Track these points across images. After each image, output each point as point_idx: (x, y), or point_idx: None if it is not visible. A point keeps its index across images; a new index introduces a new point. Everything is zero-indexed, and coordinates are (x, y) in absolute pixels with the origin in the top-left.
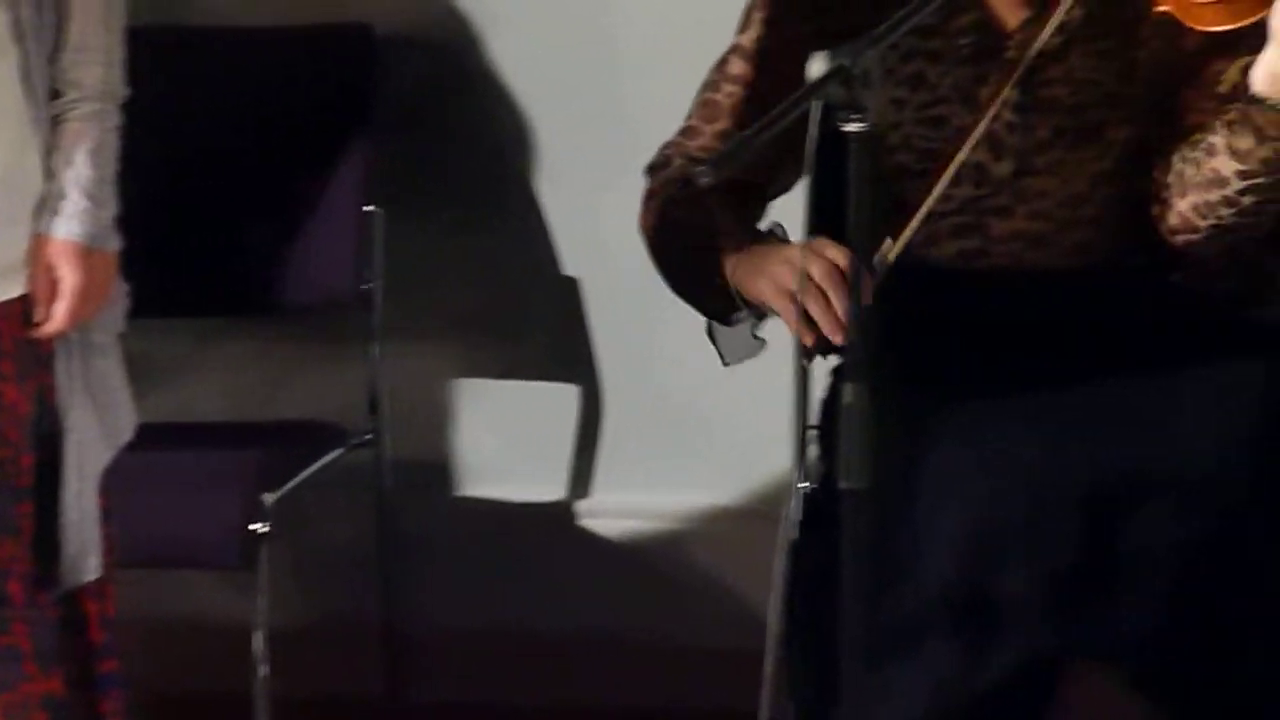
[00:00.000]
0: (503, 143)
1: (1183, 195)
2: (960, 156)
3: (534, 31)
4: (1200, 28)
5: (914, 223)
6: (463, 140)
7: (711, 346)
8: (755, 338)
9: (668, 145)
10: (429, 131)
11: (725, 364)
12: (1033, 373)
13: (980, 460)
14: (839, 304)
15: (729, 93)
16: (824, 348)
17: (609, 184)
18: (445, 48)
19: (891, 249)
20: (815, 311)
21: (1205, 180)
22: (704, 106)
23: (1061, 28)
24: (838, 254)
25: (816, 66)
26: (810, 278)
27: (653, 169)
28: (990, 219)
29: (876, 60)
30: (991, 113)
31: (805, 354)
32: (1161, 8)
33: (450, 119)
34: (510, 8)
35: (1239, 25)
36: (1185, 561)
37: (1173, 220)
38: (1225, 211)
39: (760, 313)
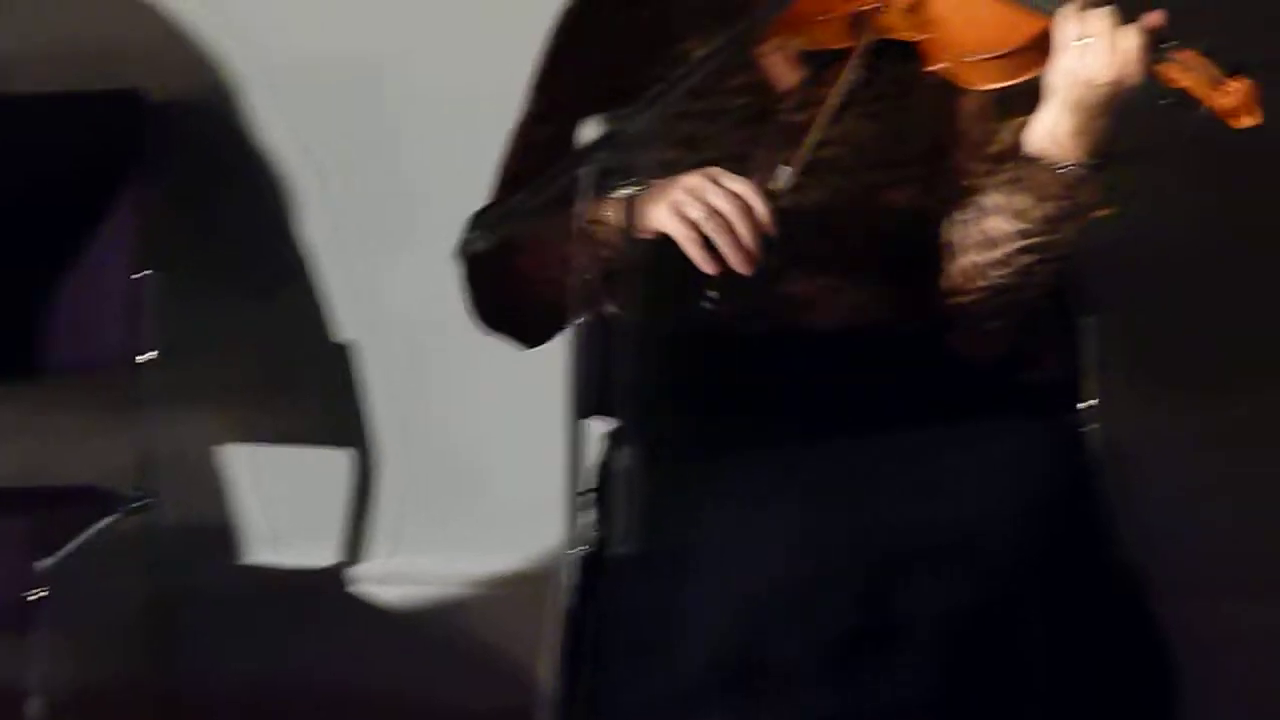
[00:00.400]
0: (281, 208)
1: (959, 256)
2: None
3: (313, 97)
4: (973, 87)
5: None
6: (241, 205)
7: (489, 411)
8: None
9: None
10: (207, 197)
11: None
12: (806, 437)
13: (753, 525)
14: (745, 235)
15: (523, 157)
16: (719, 286)
17: (387, 249)
18: (221, 113)
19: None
20: (723, 243)
21: (981, 240)
22: (503, 172)
23: (841, 88)
24: (741, 184)
25: (590, 130)
26: (715, 208)
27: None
28: (771, 281)
29: (649, 123)
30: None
31: (578, 414)
32: (934, 68)
33: (228, 184)
34: (288, 74)
35: (1012, 84)
36: (958, 626)
37: (948, 282)
38: (1001, 272)
39: None
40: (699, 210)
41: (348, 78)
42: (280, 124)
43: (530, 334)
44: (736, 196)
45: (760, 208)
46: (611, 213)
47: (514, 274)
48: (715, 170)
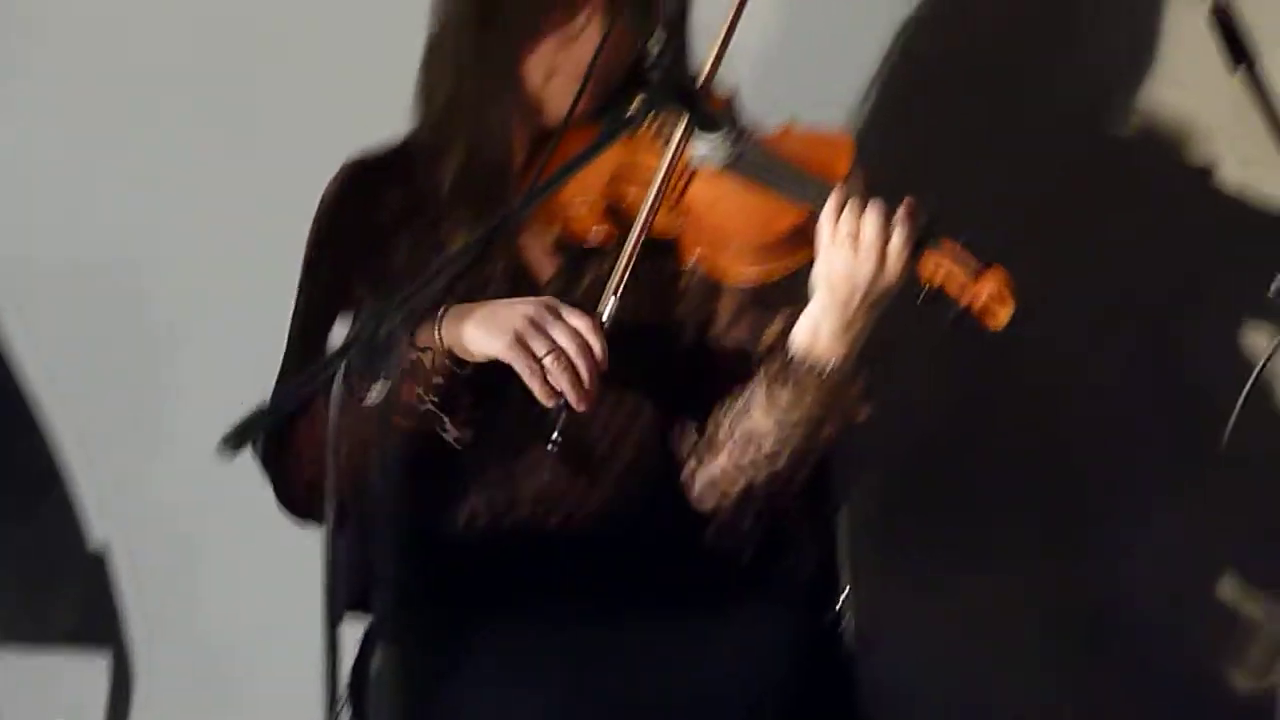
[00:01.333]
0: (30, 423)
1: (716, 455)
2: None
3: (67, 299)
4: (731, 284)
5: None
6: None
7: (248, 612)
8: None
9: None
10: None
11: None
12: (563, 632)
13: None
14: (586, 377)
15: (291, 352)
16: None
17: (144, 452)
18: None
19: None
20: (565, 383)
21: (740, 440)
22: (280, 373)
23: (594, 284)
24: (582, 321)
25: (341, 329)
26: (557, 345)
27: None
28: (520, 478)
29: (401, 320)
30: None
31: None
32: (693, 261)
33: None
34: (41, 277)
35: (769, 281)
36: None
37: (702, 483)
38: (757, 471)
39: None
40: (542, 344)
41: (100, 278)
42: (35, 324)
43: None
44: (578, 334)
45: (599, 346)
46: (441, 337)
47: (300, 460)
48: (553, 300)
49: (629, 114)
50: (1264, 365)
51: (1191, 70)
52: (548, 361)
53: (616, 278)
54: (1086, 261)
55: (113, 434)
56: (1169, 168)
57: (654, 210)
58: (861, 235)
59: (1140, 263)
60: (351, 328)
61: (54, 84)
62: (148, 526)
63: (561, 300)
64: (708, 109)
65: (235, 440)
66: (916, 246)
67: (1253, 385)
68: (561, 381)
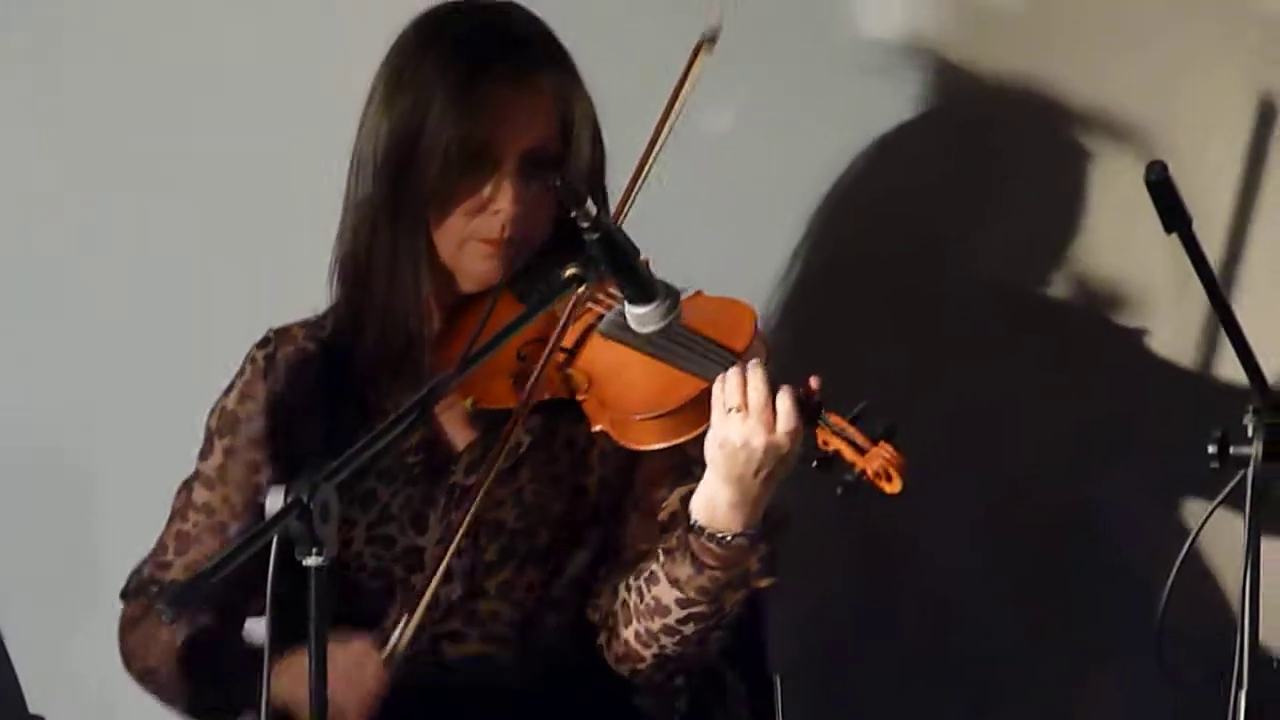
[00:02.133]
0: None
1: (627, 624)
2: (429, 591)
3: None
4: (634, 447)
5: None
6: None
7: None
8: None
9: (140, 569)
10: None
11: None
12: None
13: None
14: (355, 704)
15: (194, 521)
16: None
17: (77, 620)
18: None
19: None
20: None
21: (648, 608)
22: (176, 538)
23: (508, 452)
24: (351, 651)
25: (273, 500)
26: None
27: (127, 594)
28: (443, 643)
29: (333, 490)
30: (453, 548)
31: None
32: (598, 427)
33: None
34: None
35: (670, 444)
36: None
37: (618, 648)
38: (667, 640)
39: None
40: None
41: (40, 438)
42: None
43: None
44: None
45: (372, 673)
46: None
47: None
48: (333, 645)
49: (561, 282)
50: (1194, 537)
51: (1122, 232)
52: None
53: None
54: (1007, 426)
55: (46, 604)
56: (1098, 331)
57: (541, 377)
58: (750, 408)
59: (1066, 428)
60: (278, 499)
61: None
62: (86, 694)
63: (470, 473)
64: (647, 279)
65: (175, 601)
66: (808, 420)
67: (1184, 559)
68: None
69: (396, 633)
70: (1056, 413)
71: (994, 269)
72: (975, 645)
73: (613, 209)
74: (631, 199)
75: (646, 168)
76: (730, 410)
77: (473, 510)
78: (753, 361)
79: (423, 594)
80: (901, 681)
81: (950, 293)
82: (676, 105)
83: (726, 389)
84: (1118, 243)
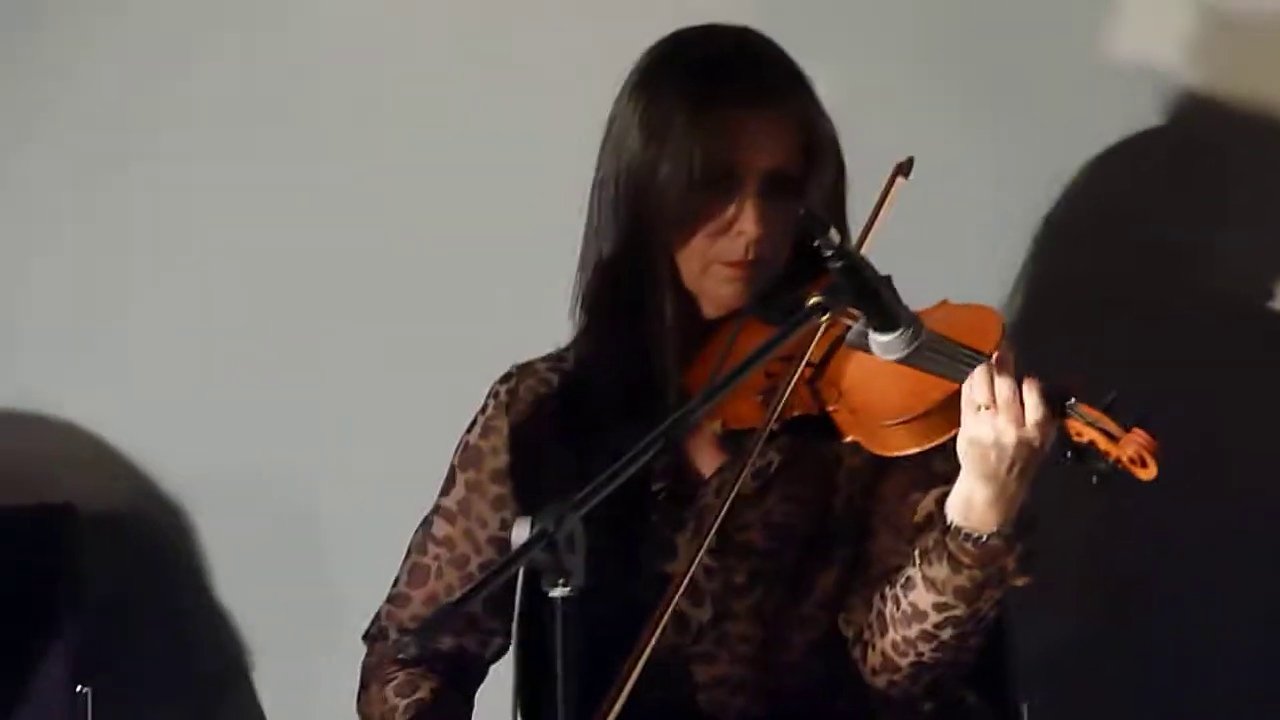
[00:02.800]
0: (212, 621)
1: (883, 634)
2: (665, 616)
3: (237, 509)
4: (886, 453)
5: (625, 689)
6: (173, 619)
7: None
8: None
9: (382, 613)
10: (139, 611)
11: None
12: None
13: None
14: None
15: (435, 555)
16: None
17: (319, 658)
18: (150, 527)
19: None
20: None
21: (904, 616)
22: (412, 571)
23: (757, 473)
24: None
25: (519, 531)
26: None
27: (370, 638)
28: (694, 666)
29: (579, 523)
30: (694, 564)
31: None
32: (849, 438)
33: (160, 598)
34: (212, 487)
35: (928, 447)
36: None
37: (874, 660)
38: (925, 647)
39: None
40: None
41: (272, 488)
42: (208, 534)
43: None
44: None
45: None
46: None
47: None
48: None
49: (805, 310)
50: None
51: None
52: None
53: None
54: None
55: (289, 637)
56: None
57: (792, 390)
58: (999, 404)
59: None
60: (525, 530)
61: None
62: None
63: (725, 491)
64: (891, 307)
65: (422, 636)
66: (1057, 412)
67: None
68: None
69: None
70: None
71: (1224, 283)
72: (1231, 678)
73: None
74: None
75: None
76: (980, 408)
77: (716, 525)
78: (1005, 364)
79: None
80: (1155, 713)
81: (1182, 308)
82: (875, 226)
83: (974, 386)
84: None
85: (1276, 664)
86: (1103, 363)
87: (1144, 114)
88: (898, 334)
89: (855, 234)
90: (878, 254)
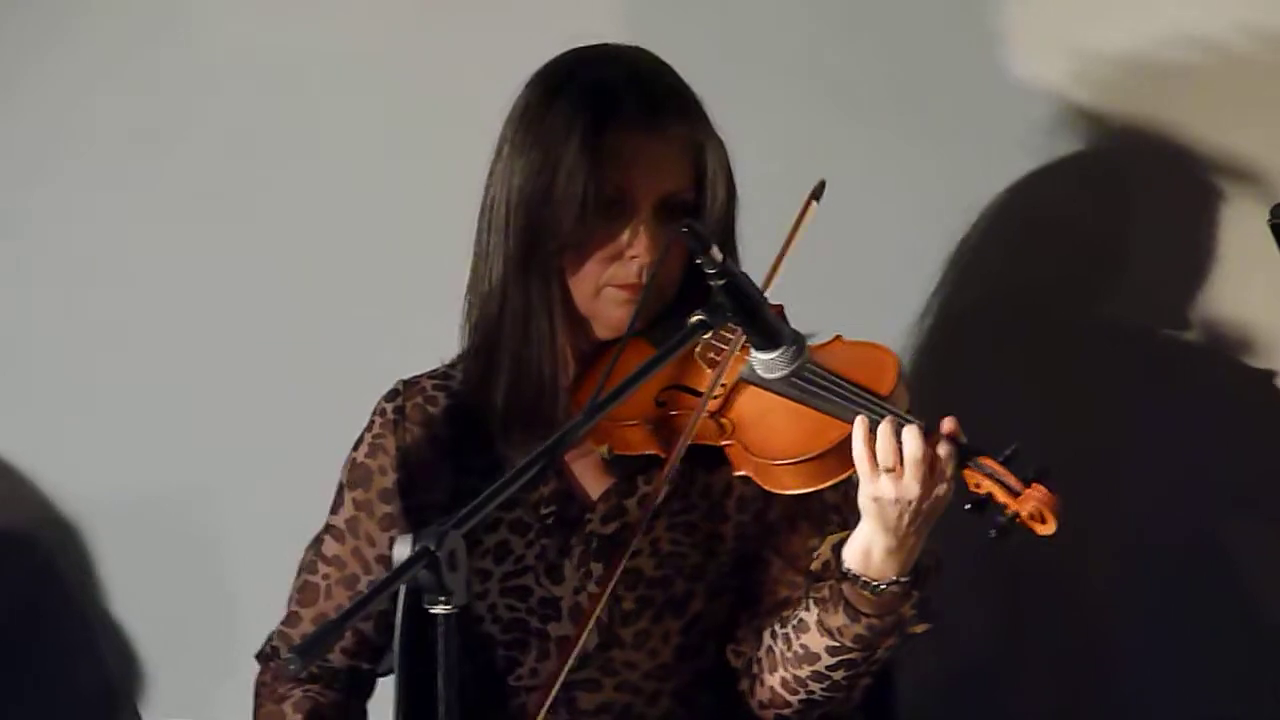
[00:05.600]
0: (106, 642)
1: (773, 670)
2: (582, 638)
3: (133, 532)
4: (777, 491)
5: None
6: (67, 639)
7: None
8: None
9: (274, 633)
10: (32, 631)
11: None
12: None
13: None
14: None
15: (325, 574)
16: None
17: (214, 680)
18: (46, 547)
19: None
20: None
21: (796, 656)
22: (302, 590)
23: (644, 499)
24: None
25: (400, 549)
26: None
27: (262, 657)
28: (577, 692)
29: (461, 540)
30: (604, 599)
31: None
32: (740, 472)
33: (54, 618)
34: (109, 509)
35: (815, 489)
36: None
37: (762, 694)
38: (816, 686)
39: None
40: None
41: (167, 505)
42: (103, 562)
43: None
44: None
45: None
46: None
47: None
48: None
49: (687, 328)
50: None
51: (1251, 276)
52: None
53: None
54: (1133, 465)
55: (189, 655)
56: (1224, 370)
57: (695, 426)
58: (903, 455)
59: (1195, 468)
60: (406, 548)
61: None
62: None
63: (608, 522)
64: (771, 325)
65: (305, 654)
66: (958, 464)
67: None
68: None
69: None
70: (1182, 452)
71: (1124, 311)
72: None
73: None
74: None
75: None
76: (879, 464)
77: (625, 557)
78: (900, 406)
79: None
80: None
81: (1084, 336)
82: (789, 251)
83: (879, 450)
84: (1242, 285)
85: (1174, 673)
86: (1014, 381)
87: (1048, 135)
88: (779, 352)
89: (769, 259)
90: (792, 280)
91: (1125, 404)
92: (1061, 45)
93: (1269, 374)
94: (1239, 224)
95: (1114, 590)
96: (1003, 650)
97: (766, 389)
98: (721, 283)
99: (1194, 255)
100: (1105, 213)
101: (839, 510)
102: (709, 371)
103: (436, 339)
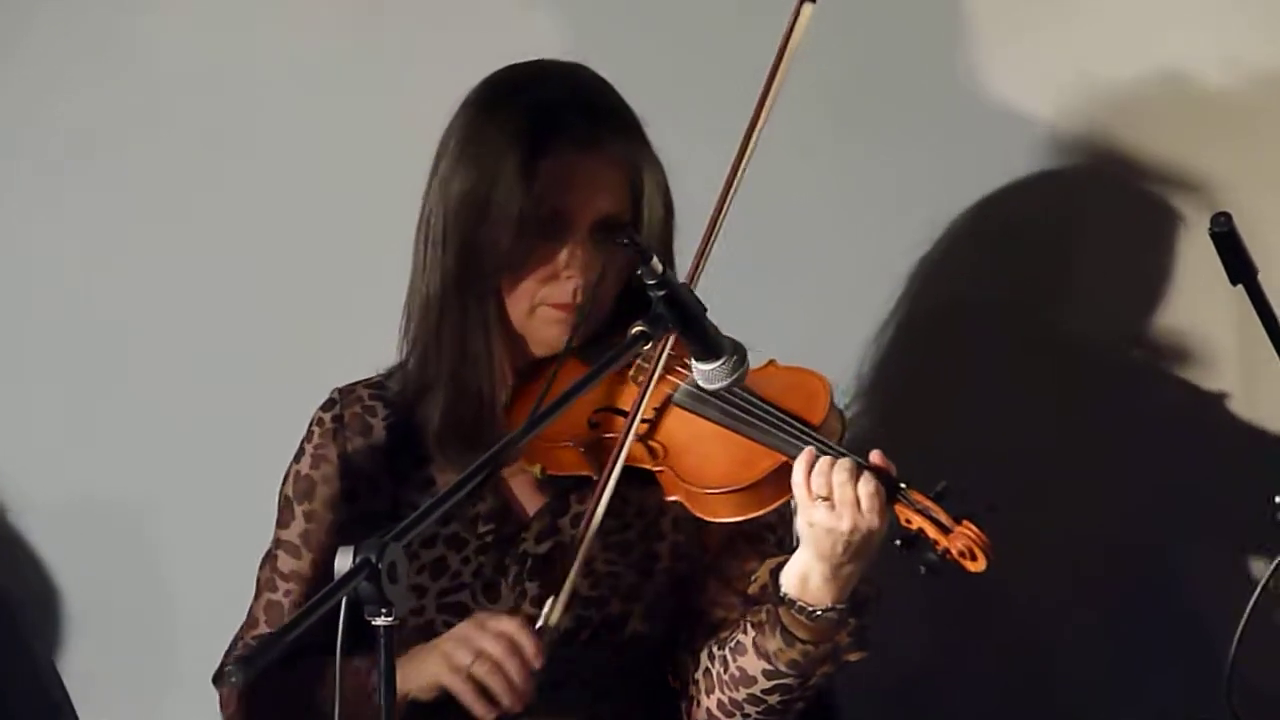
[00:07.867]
0: (43, 667)
1: (709, 692)
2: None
3: (75, 542)
4: (708, 519)
5: None
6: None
7: None
8: None
9: (233, 647)
10: None
11: None
12: None
13: None
14: (516, 675)
15: (285, 590)
16: None
17: (161, 695)
18: None
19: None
20: (495, 685)
21: (732, 679)
22: (268, 608)
23: (577, 519)
24: (508, 624)
25: (341, 561)
26: (484, 652)
27: (217, 679)
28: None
29: (401, 552)
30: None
31: None
32: (672, 497)
33: None
34: (45, 514)
35: (746, 518)
36: None
37: (699, 715)
38: (751, 709)
39: None
40: (468, 655)
41: (111, 520)
42: (53, 568)
43: None
44: (504, 636)
45: (528, 644)
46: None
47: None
48: (483, 615)
49: (628, 340)
50: (1262, 588)
51: (1194, 288)
52: (476, 669)
53: (589, 532)
54: (1083, 495)
55: (123, 673)
56: (1170, 384)
57: (625, 447)
58: (835, 491)
59: (1139, 489)
60: (346, 560)
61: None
62: None
63: (541, 541)
64: (712, 335)
65: (247, 664)
66: (888, 499)
67: (1252, 610)
68: (492, 683)
69: (547, 607)
70: (1129, 466)
71: (1075, 327)
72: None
73: (690, 258)
74: (708, 247)
75: (723, 212)
76: (812, 496)
77: (572, 577)
78: (832, 435)
79: (568, 571)
80: None
81: (1035, 351)
82: (780, 70)
83: (813, 482)
84: (1190, 296)
85: (1109, 690)
86: (971, 391)
87: (1010, 152)
88: (720, 363)
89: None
90: (751, 290)
91: (1084, 414)
92: (1028, 66)
93: (1214, 388)
94: (1192, 240)
95: (1053, 604)
96: (941, 667)
97: (696, 414)
98: (662, 293)
99: (1148, 270)
100: (1063, 228)
101: (774, 530)
102: (642, 388)
103: (384, 350)
